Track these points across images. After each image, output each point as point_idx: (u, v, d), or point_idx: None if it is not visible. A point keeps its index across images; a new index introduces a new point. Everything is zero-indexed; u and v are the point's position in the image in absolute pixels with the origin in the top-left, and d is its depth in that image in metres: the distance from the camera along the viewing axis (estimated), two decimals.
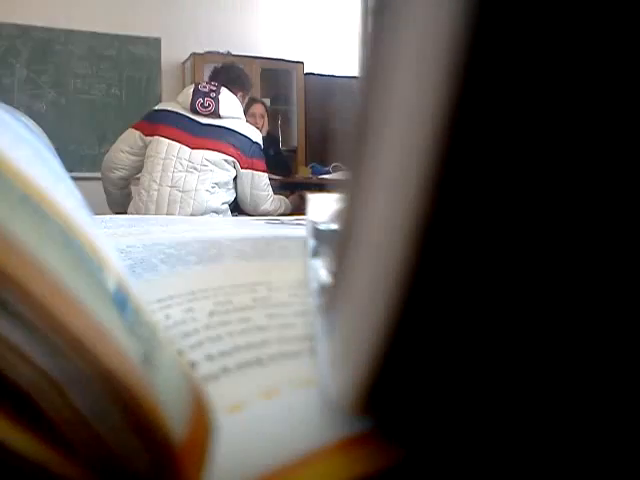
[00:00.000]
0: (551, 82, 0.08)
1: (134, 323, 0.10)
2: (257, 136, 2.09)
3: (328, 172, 3.28)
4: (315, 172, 3.34)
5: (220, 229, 0.43)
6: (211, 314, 0.19)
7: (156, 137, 1.99)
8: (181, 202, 1.95)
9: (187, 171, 1.96)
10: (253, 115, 2.59)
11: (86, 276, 0.09)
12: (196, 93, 2.00)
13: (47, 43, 3.75)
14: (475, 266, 0.09)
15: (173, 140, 1.97)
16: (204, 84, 2.05)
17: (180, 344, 0.17)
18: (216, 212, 1.99)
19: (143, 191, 1.99)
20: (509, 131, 0.08)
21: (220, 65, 2.26)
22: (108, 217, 0.49)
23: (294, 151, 4.24)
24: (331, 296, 0.12)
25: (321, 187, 3.08)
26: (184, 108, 2.01)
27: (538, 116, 0.08)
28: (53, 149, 0.40)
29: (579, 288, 0.10)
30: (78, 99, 3.85)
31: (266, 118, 2.75)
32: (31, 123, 0.37)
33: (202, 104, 1.98)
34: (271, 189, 2.14)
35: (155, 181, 1.96)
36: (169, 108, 2.05)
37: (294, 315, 0.19)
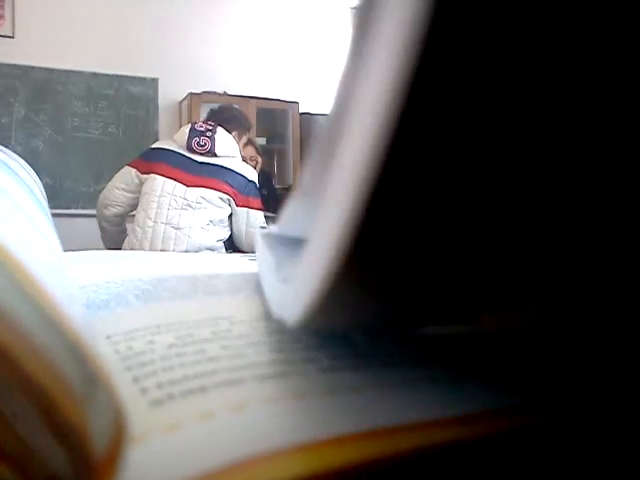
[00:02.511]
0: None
1: (75, 349, 0.11)
2: (253, 175, 2.11)
3: None
4: None
5: (202, 265, 0.44)
6: (170, 346, 0.20)
7: (152, 175, 2.01)
8: (175, 239, 1.97)
9: (182, 208, 1.97)
10: (244, 158, 2.63)
11: (29, 304, 0.10)
12: (192, 132, 2.03)
13: (46, 83, 3.80)
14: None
15: (169, 178, 1.99)
16: (200, 123, 2.08)
17: (136, 372, 0.18)
18: (211, 249, 2.00)
19: (138, 228, 2.00)
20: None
21: (217, 106, 2.29)
22: (93, 253, 0.50)
23: (290, 189, 4.28)
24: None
25: None
26: (180, 147, 2.03)
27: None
28: (40, 185, 0.41)
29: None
30: (75, 137, 3.88)
31: (259, 159, 2.78)
32: (20, 160, 0.38)
33: (198, 143, 2.01)
34: (267, 227, 2.14)
35: (150, 218, 1.98)
36: (165, 147, 2.08)
37: (247, 345, 0.20)
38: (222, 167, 2.03)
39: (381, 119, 0.10)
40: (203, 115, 3.72)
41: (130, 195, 2.07)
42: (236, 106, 2.35)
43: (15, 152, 0.39)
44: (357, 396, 0.16)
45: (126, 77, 3.99)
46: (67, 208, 3.72)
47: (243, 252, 2.07)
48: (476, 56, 0.10)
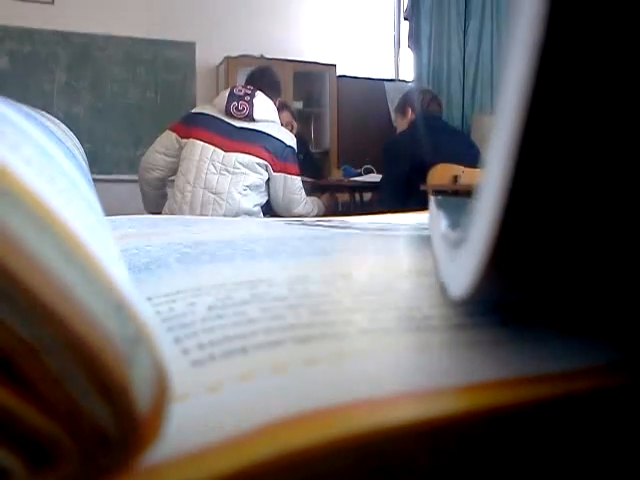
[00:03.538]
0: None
1: (119, 309, 0.11)
2: (291, 139, 2.11)
3: (359, 174, 3.30)
4: (347, 174, 3.36)
5: (240, 229, 0.44)
6: (210, 308, 0.20)
7: (191, 139, 2.03)
8: (214, 204, 1.98)
9: (220, 173, 1.99)
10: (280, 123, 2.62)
11: (74, 265, 0.11)
12: (231, 96, 2.03)
13: (86, 48, 3.83)
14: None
15: (207, 143, 2.00)
16: (239, 87, 2.08)
17: (178, 333, 0.18)
18: (248, 214, 2.01)
19: (178, 192, 2.03)
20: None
21: (256, 68, 2.29)
22: (134, 217, 0.50)
23: (327, 153, 4.26)
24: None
25: (353, 189, 3.10)
26: (219, 111, 2.04)
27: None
28: (82, 150, 0.42)
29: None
30: (115, 103, 3.92)
31: (294, 124, 2.77)
32: (62, 126, 0.38)
33: (237, 107, 2.01)
34: (304, 192, 2.16)
35: (189, 183, 2.00)
36: (205, 111, 2.09)
37: (286, 308, 0.20)
38: (260, 132, 2.03)
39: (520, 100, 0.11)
40: (240, 79, 3.72)
41: (170, 159, 2.09)
42: (275, 70, 2.33)
43: (57, 118, 0.39)
44: (399, 357, 0.16)
45: (163, 41, 4.00)
46: (108, 173, 3.77)
47: (280, 217, 2.08)
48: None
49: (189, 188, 2.00)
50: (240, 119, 2.03)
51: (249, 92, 2.05)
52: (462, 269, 0.16)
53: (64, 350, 0.09)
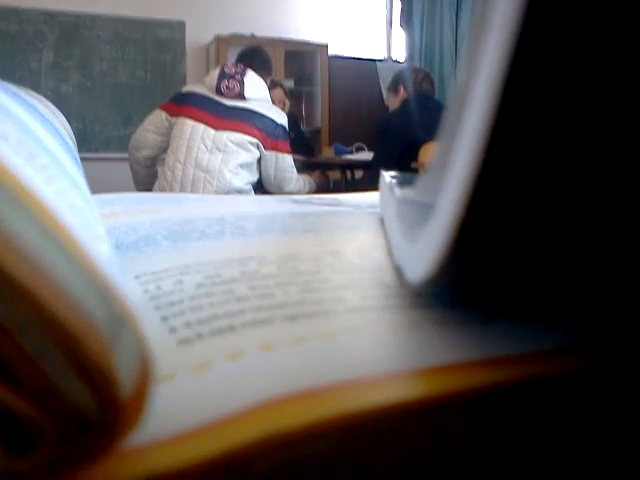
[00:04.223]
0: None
1: (100, 289, 0.11)
2: (281, 118, 2.09)
3: (350, 152, 3.29)
4: (338, 152, 3.35)
5: (230, 206, 0.43)
6: (198, 286, 0.20)
7: (181, 118, 2.01)
8: (204, 182, 1.97)
9: (210, 152, 1.97)
10: (272, 101, 2.60)
11: (51, 243, 0.10)
12: (221, 75, 2.01)
13: (74, 28, 3.78)
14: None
15: (197, 121, 1.98)
16: (230, 66, 2.06)
17: (165, 312, 0.18)
18: (240, 192, 2.00)
19: (168, 171, 2.01)
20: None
21: (247, 47, 2.27)
22: (123, 195, 0.50)
23: (318, 131, 4.24)
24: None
25: (344, 167, 3.09)
26: (210, 90, 2.02)
27: None
28: (70, 129, 0.41)
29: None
30: (104, 82, 3.88)
31: (287, 101, 2.76)
32: (50, 104, 0.38)
33: (227, 86, 1.99)
34: (295, 170, 2.15)
35: (179, 161, 1.98)
36: (195, 90, 2.07)
37: (275, 285, 0.20)
38: (250, 111, 2.02)
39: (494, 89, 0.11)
40: (231, 58, 3.69)
41: (160, 138, 2.08)
42: (265, 50, 2.31)
43: (46, 97, 0.39)
44: (390, 336, 0.16)
45: (153, 20, 3.95)
46: (97, 152, 3.75)
47: (271, 194, 2.07)
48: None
49: (179, 167, 1.99)
50: (231, 98, 2.01)
51: (240, 71, 2.03)
52: (422, 252, 0.15)
53: (39, 330, 0.08)
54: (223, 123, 1.99)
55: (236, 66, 2.06)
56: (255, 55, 2.18)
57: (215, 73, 2.04)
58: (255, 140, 2.01)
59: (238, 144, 1.98)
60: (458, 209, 0.12)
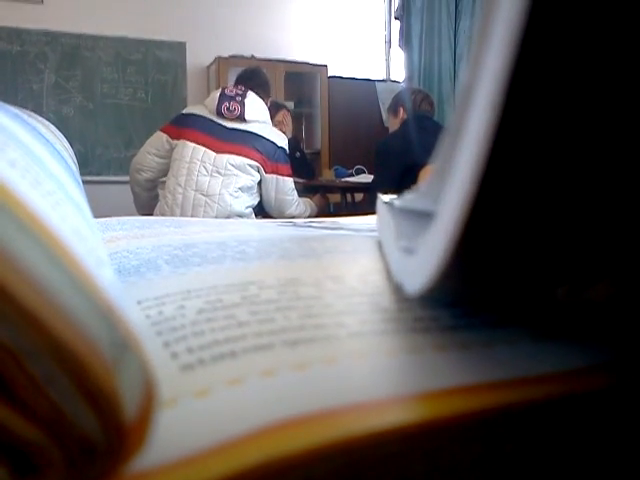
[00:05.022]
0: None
1: (105, 314, 0.11)
2: (282, 140, 2.10)
3: (351, 175, 3.30)
4: (339, 175, 3.36)
5: (230, 231, 0.44)
6: (199, 311, 0.20)
7: (182, 140, 2.01)
8: (205, 206, 1.97)
9: (211, 175, 1.98)
10: (279, 123, 2.59)
11: (58, 269, 0.10)
12: (222, 97, 2.02)
13: (75, 49, 3.81)
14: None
15: (198, 144, 1.99)
16: (231, 88, 2.07)
17: (167, 337, 0.18)
18: (240, 216, 2.00)
19: (169, 194, 2.01)
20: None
21: (246, 69, 2.28)
22: (124, 219, 0.50)
23: (318, 154, 4.25)
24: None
25: (344, 190, 3.10)
26: (210, 112, 2.03)
27: None
28: (71, 152, 0.41)
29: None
30: (105, 103, 3.90)
31: (290, 124, 2.75)
32: (52, 127, 0.38)
33: (228, 108, 2.00)
34: (296, 193, 2.15)
35: (180, 185, 1.98)
36: (196, 112, 2.07)
37: (276, 310, 0.20)
38: (251, 133, 2.02)
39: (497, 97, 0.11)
40: (231, 79, 3.70)
41: (161, 160, 2.08)
42: (264, 70, 2.32)
43: (47, 119, 0.39)
44: (391, 360, 0.16)
45: (153, 41, 3.99)
46: (99, 175, 3.76)
47: (272, 218, 2.07)
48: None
49: (180, 190, 1.99)
50: (231, 120, 2.02)
51: (240, 92, 2.04)
52: (423, 261, 0.16)
53: (46, 356, 0.09)
54: (224, 146, 1.99)
55: (237, 87, 2.07)
56: (254, 76, 2.18)
57: (216, 95, 2.05)
58: (255, 163, 2.01)
59: (238, 167, 1.99)
60: (461, 214, 0.12)
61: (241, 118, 2.01)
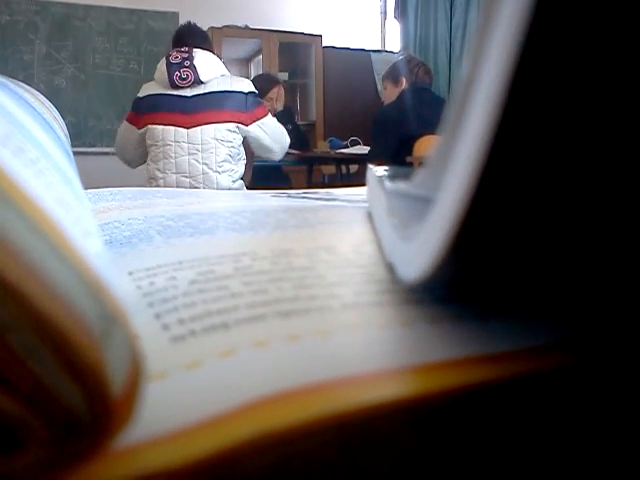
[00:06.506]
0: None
1: (91, 286, 0.11)
2: (248, 86, 1.95)
3: (346, 146, 3.29)
4: (333, 146, 3.35)
5: (226, 201, 0.43)
6: (191, 282, 0.20)
7: (148, 126, 1.89)
8: (190, 188, 1.82)
9: (189, 154, 1.87)
10: (270, 99, 2.50)
11: (40, 239, 0.10)
12: (170, 67, 1.86)
13: (66, 18, 3.76)
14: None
15: (165, 125, 1.86)
16: (175, 54, 1.89)
17: (158, 309, 0.18)
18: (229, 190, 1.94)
19: (152, 180, 1.91)
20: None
21: (180, 27, 2.10)
22: (116, 190, 0.49)
23: (313, 125, 4.23)
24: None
25: (339, 161, 3.09)
26: (165, 87, 1.88)
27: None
28: (62, 123, 0.41)
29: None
30: (97, 74, 3.86)
31: (282, 97, 2.63)
32: (41, 97, 0.37)
33: (180, 77, 1.85)
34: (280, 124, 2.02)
35: (159, 169, 1.89)
36: (151, 92, 1.93)
37: (269, 281, 0.19)
38: (213, 93, 1.88)
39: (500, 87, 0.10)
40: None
41: (140, 150, 1.98)
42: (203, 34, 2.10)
43: (39, 90, 0.38)
44: (384, 333, 0.16)
45: (146, 11, 3.94)
46: (91, 146, 3.73)
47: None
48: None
49: (160, 175, 1.88)
50: (189, 87, 1.87)
51: (186, 55, 1.87)
52: (419, 250, 0.15)
53: (28, 329, 0.08)
54: (192, 119, 1.86)
55: (180, 51, 1.90)
56: (193, 31, 2.02)
57: (162, 67, 1.90)
58: (232, 124, 1.88)
59: (216, 138, 1.87)
60: (461, 203, 0.12)
61: (197, 82, 1.87)
